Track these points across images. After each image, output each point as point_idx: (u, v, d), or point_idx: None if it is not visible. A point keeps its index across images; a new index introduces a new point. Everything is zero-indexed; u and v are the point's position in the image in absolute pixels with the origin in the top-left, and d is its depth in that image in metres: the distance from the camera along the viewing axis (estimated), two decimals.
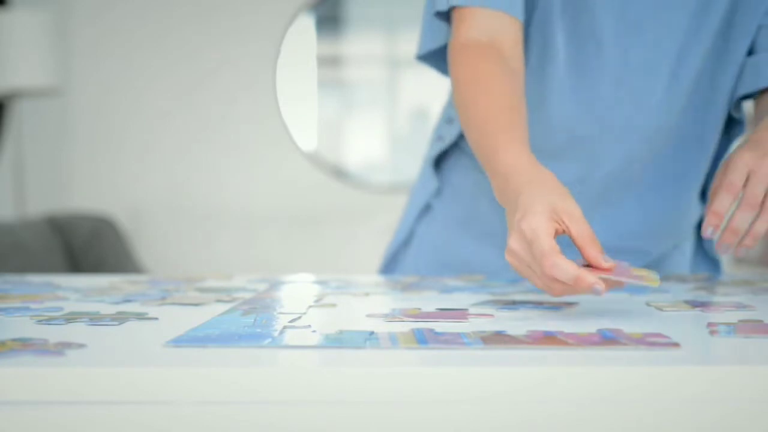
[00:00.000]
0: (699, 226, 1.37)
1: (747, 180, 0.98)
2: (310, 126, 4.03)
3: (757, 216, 0.97)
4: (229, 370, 0.63)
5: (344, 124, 4.15)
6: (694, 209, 1.31)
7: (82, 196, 3.88)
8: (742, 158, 0.98)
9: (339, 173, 3.96)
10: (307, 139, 3.98)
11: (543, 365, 0.64)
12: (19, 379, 0.62)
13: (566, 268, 0.81)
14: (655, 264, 1.33)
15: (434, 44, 1.21)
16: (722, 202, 0.98)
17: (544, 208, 0.85)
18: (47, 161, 3.88)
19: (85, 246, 3.28)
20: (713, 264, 1.38)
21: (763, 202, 0.97)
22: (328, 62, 4.07)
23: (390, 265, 1.40)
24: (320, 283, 1.17)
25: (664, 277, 1.21)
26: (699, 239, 1.38)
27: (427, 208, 1.37)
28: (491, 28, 1.10)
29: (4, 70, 3.18)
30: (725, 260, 4.01)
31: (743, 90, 1.20)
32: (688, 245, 1.36)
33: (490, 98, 1.03)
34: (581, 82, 1.18)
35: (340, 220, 3.86)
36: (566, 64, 1.18)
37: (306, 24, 3.96)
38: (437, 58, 1.24)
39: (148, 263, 3.73)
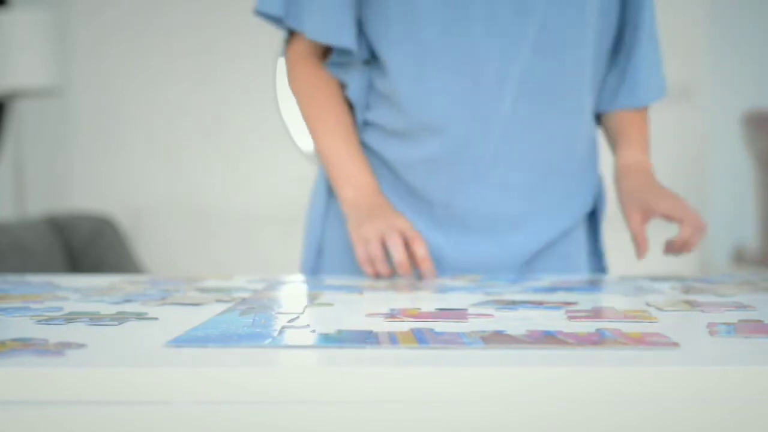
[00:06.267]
0: (589, 218, 1.41)
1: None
2: None
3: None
4: (229, 370, 0.63)
5: None
6: (580, 185, 1.35)
7: (82, 196, 3.88)
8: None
9: None
10: (307, 139, 3.98)
11: (543, 365, 0.64)
12: (19, 379, 0.62)
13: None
14: (549, 250, 1.34)
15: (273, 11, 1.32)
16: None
17: (402, 216, 1.24)
18: (47, 161, 3.88)
19: (85, 246, 3.28)
20: (600, 262, 1.43)
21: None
22: None
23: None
24: (319, 282, 1.17)
25: (665, 277, 1.21)
26: (589, 235, 1.42)
27: (327, 211, 1.37)
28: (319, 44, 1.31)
29: (4, 70, 3.18)
30: (726, 260, 4.01)
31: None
32: (582, 238, 1.38)
33: (331, 115, 1.30)
34: (454, 43, 1.24)
35: None
36: (437, 25, 1.23)
37: None
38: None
39: (148, 263, 3.73)
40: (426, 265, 1.18)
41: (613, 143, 1.37)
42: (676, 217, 1.21)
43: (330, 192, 1.37)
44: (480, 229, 1.30)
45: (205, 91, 3.89)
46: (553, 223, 1.33)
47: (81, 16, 3.87)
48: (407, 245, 1.19)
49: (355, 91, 1.31)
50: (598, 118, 1.40)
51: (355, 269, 1.31)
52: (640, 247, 1.22)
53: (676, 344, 0.70)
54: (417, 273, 1.20)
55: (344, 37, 1.26)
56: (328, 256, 1.36)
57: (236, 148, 3.91)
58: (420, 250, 1.18)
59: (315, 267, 1.37)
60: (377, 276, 1.19)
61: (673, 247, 1.23)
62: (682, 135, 3.84)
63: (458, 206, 1.30)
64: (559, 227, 1.34)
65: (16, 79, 3.18)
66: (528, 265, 1.33)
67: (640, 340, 0.71)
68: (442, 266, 1.29)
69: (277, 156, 3.93)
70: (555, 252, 1.34)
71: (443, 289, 1.07)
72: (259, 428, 0.62)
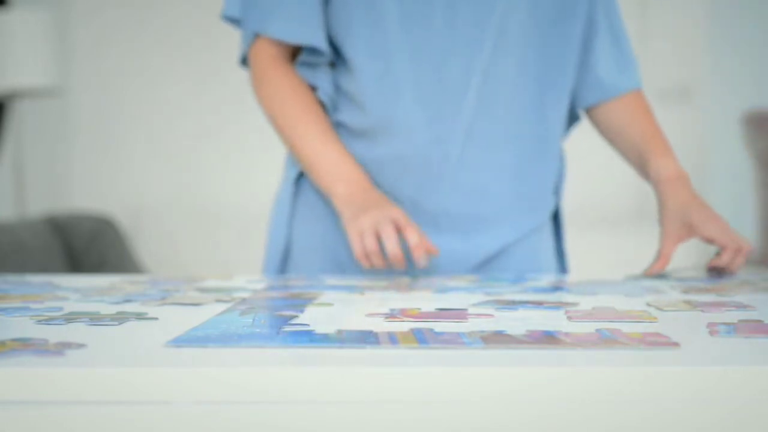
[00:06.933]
0: (554, 219, 1.43)
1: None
2: None
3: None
4: (229, 370, 0.63)
5: None
6: (550, 185, 1.36)
7: (82, 196, 3.88)
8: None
9: None
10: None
11: (543, 365, 0.64)
12: (19, 379, 0.62)
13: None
14: (519, 244, 1.35)
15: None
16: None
17: (396, 206, 1.22)
18: (47, 161, 3.87)
19: (85, 246, 3.27)
20: (562, 261, 1.44)
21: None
22: None
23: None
24: (318, 282, 1.17)
25: (665, 277, 1.21)
26: (555, 236, 1.43)
27: (293, 210, 1.36)
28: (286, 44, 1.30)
29: (4, 70, 3.18)
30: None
31: (590, 101, 1.35)
32: (548, 234, 1.39)
33: (312, 115, 1.29)
34: (416, 38, 1.25)
35: None
36: (398, 16, 1.25)
37: None
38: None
39: (148, 263, 3.73)
40: (417, 252, 1.17)
41: (627, 146, 1.36)
42: (720, 243, 1.21)
43: (297, 190, 1.36)
44: (451, 230, 1.31)
45: (205, 91, 3.88)
46: (523, 222, 1.34)
47: (81, 16, 3.87)
48: (401, 234, 1.19)
49: (323, 93, 1.31)
50: (589, 114, 1.39)
51: (326, 269, 1.32)
52: (657, 266, 1.21)
53: (676, 344, 0.70)
54: (412, 265, 1.20)
55: (314, 37, 1.26)
56: (296, 257, 1.35)
57: (236, 148, 3.90)
58: (412, 238, 1.17)
59: (281, 268, 1.36)
60: (373, 267, 1.20)
61: (715, 270, 1.23)
62: (682, 135, 3.83)
63: (428, 206, 1.30)
64: (529, 226, 1.34)
65: (16, 79, 3.18)
66: (496, 259, 1.33)
67: (640, 340, 0.71)
68: (412, 265, 1.27)
69: (277, 156, 3.92)
70: (524, 246, 1.35)
71: (443, 289, 1.07)
72: (259, 428, 0.62)
